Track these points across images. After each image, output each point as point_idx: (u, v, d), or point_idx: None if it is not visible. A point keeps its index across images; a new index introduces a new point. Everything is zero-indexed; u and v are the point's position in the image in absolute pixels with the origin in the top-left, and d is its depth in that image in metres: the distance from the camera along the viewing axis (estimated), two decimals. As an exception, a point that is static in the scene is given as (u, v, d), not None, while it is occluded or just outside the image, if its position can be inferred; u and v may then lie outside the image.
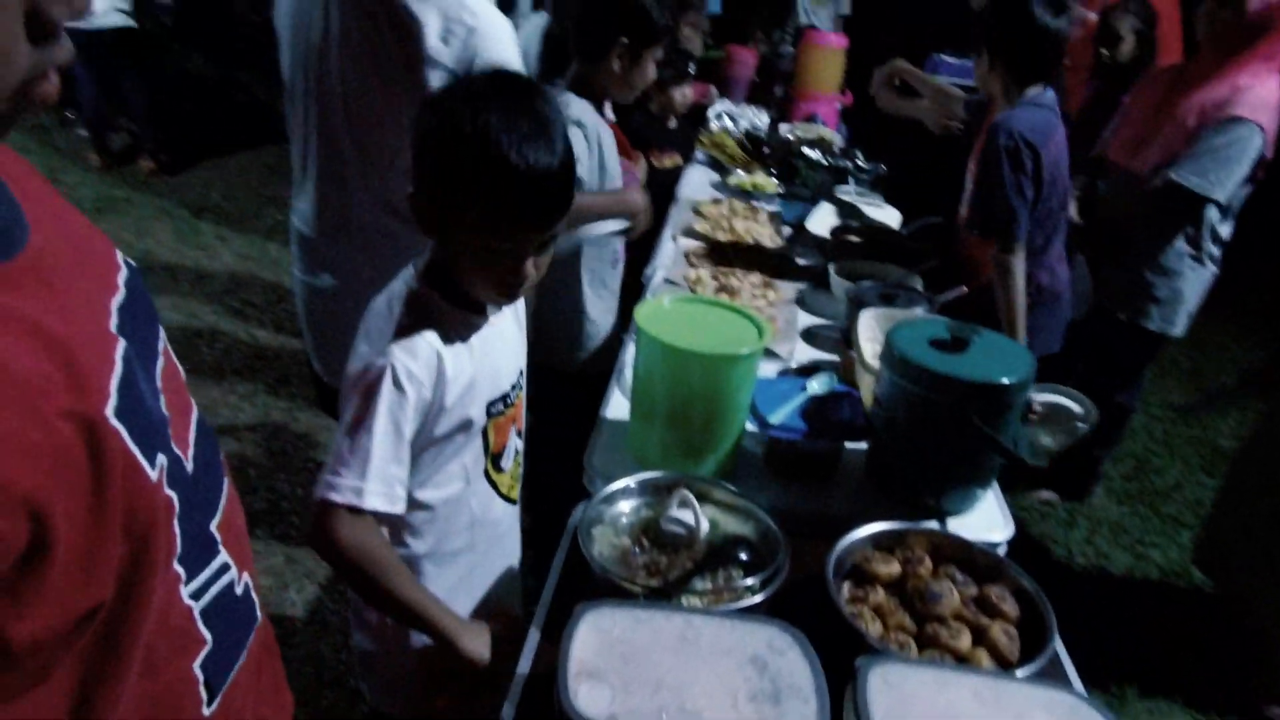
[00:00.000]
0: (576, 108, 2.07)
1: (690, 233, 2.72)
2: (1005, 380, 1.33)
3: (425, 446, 1.22)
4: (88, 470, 0.61)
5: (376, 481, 1.13)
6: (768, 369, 1.91)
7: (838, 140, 3.85)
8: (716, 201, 3.02)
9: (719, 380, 1.41)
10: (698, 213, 2.89)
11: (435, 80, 1.65)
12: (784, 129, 3.91)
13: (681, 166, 3.39)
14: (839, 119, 4.27)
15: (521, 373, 1.39)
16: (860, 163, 3.25)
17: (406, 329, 1.16)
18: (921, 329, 1.45)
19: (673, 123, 3.34)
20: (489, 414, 1.28)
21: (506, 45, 1.71)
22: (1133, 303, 2.93)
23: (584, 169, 2.05)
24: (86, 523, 0.61)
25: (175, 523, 0.72)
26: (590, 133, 2.07)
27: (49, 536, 0.58)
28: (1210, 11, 2.74)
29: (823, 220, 2.77)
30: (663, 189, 2.99)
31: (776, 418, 1.49)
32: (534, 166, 1.08)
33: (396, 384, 1.13)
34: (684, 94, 3.27)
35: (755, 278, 2.36)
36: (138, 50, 5.20)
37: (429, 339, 1.16)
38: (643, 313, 1.45)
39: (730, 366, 1.41)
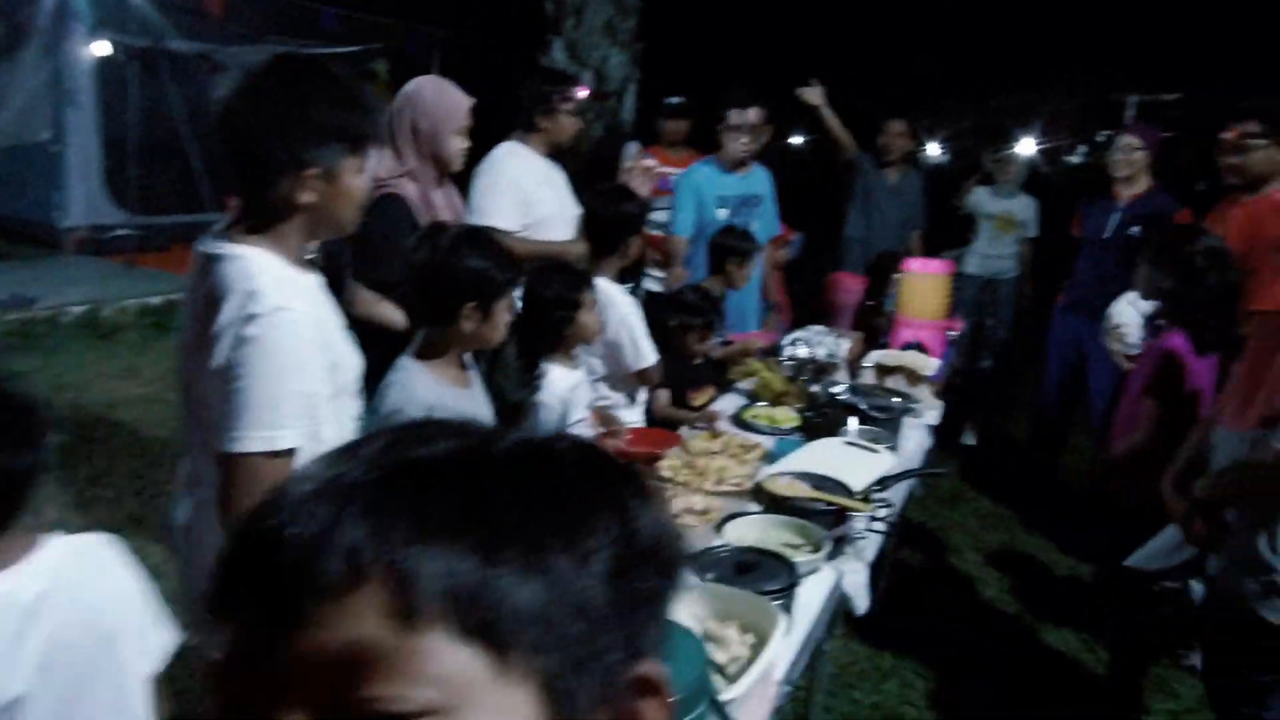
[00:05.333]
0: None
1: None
2: None
3: None
4: None
5: None
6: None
7: (928, 369, 3.52)
8: (715, 435, 2.82)
9: None
10: (683, 448, 2.72)
11: None
12: (874, 356, 3.66)
13: (715, 398, 3.27)
14: (947, 348, 3.92)
15: None
16: (896, 400, 2.93)
17: None
18: None
19: (699, 360, 3.28)
20: None
21: None
22: None
23: None
24: None
25: None
26: None
27: None
28: None
29: (801, 462, 2.49)
30: None
31: None
32: None
33: None
34: (708, 345, 3.23)
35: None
36: None
37: None
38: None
39: None
